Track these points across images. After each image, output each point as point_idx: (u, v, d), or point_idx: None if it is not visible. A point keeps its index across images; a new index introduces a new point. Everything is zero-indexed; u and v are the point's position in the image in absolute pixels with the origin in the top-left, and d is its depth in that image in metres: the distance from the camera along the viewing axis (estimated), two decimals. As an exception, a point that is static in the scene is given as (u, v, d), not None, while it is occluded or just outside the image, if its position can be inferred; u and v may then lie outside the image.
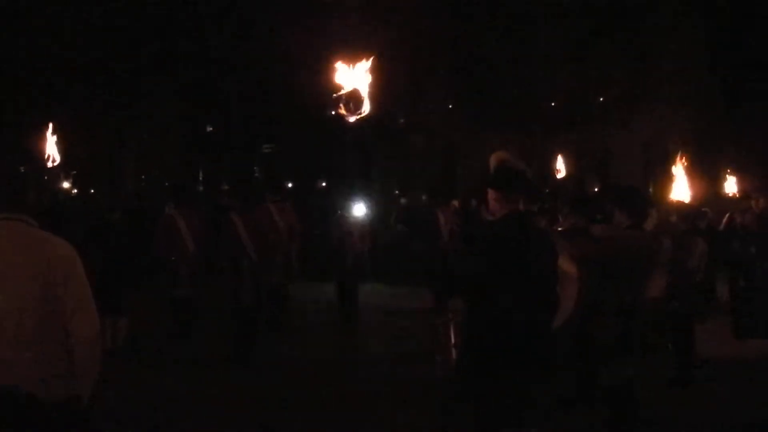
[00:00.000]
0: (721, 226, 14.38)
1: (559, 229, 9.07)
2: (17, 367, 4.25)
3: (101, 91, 27.47)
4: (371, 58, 7.43)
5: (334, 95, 7.19)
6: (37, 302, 4.35)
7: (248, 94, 30.09)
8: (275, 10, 25.36)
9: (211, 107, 31.98)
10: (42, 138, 12.97)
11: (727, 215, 14.80)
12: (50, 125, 13.41)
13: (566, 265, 5.90)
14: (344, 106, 7.23)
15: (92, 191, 30.95)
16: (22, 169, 5.06)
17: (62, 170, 27.88)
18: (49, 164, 12.30)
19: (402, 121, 29.37)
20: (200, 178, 35.91)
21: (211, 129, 34.98)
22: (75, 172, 31.32)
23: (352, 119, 7.23)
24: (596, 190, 25.46)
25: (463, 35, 26.71)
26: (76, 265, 4.50)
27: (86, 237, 11.23)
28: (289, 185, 35.07)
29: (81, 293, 4.44)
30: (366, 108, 7.28)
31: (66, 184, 30.06)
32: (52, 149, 13.04)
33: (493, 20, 26.98)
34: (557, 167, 21.26)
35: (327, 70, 7.50)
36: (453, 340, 7.54)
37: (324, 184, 34.76)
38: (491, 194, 5.60)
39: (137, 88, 28.08)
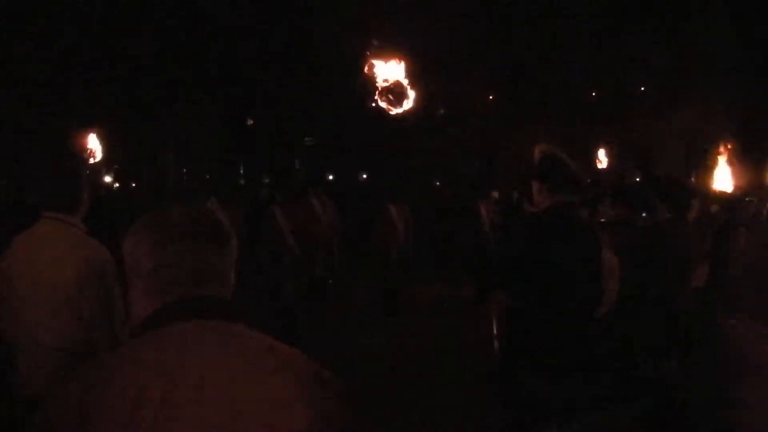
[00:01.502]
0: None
1: (602, 220, 9.04)
2: (52, 371, 4.31)
3: (140, 87, 27.65)
4: (412, 52, 7.44)
5: (377, 88, 7.19)
6: (71, 308, 4.40)
7: (289, 87, 30.15)
8: (317, 3, 25.42)
9: (251, 101, 32.07)
10: (83, 135, 13.09)
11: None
12: (90, 123, 13.57)
13: (610, 258, 5.88)
14: (386, 98, 7.23)
15: (133, 185, 31.22)
16: (79, 170, 5.10)
17: (104, 165, 28.15)
18: (91, 160, 12.39)
19: (441, 112, 29.32)
20: (241, 172, 36.06)
21: (251, 122, 35.08)
22: (117, 166, 31.61)
23: (394, 112, 7.24)
24: (638, 180, 25.30)
25: (501, 27, 26.64)
26: (107, 272, 4.54)
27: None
28: (330, 178, 35.22)
29: (105, 300, 4.49)
30: (410, 101, 7.29)
31: (108, 179, 30.33)
32: (94, 145, 13.15)
33: (530, 11, 26.90)
34: (599, 158, 21.18)
35: (368, 63, 7.51)
36: (495, 331, 7.55)
37: (365, 176, 34.80)
38: (535, 186, 5.59)
39: (177, 82, 28.20)
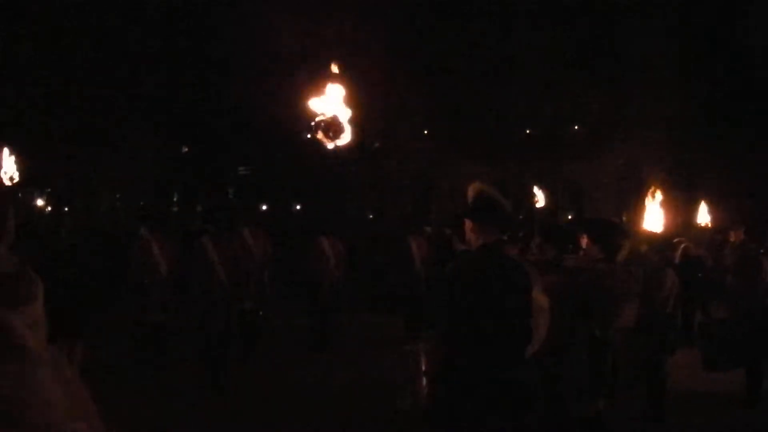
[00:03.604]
0: (677, 259, 14.34)
1: (531, 259, 9.08)
2: None
3: (73, 113, 27.40)
4: (350, 86, 7.43)
5: (313, 121, 7.16)
6: None
7: (225, 117, 30.06)
8: (254, 34, 25.38)
9: (186, 129, 31.92)
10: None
11: (681, 247, 14.81)
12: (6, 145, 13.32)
13: (540, 297, 5.90)
14: (323, 132, 7.20)
15: (66, 210, 30.82)
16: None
17: (36, 188, 27.77)
18: (7, 182, 12.16)
19: (377, 146, 29.40)
20: (174, 200, 35.83)
21: (186, 150, 34.91)
22: (49, 190, 31.22)
23: (330, 145, 7.21)
24: (570, 218, 25.55)
25: (439, 63, 26.85)
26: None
27: (44, 258, 11.08)
28: (264, 208, 35.09)
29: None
30: (346, 135, 7.27)
31: (40, 202, 29.95)
32: (10, 168, 12.93)
33: (469, 49, 27.12)
34: (532, 197, 21.31)
35: (304, 95, 7.48)
36: (423, 369, 7.53)
37: (299, 207, 34.75)
38: (468, 224, 5.63)
39: (112, 109, 27.99)
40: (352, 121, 7.33)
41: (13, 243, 4.73)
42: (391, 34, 24.57)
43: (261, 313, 13.45)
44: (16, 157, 13.32)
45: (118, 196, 34.31)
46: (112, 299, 13.77)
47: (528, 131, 30.29)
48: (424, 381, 7.23)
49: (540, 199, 21.00)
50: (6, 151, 13.16)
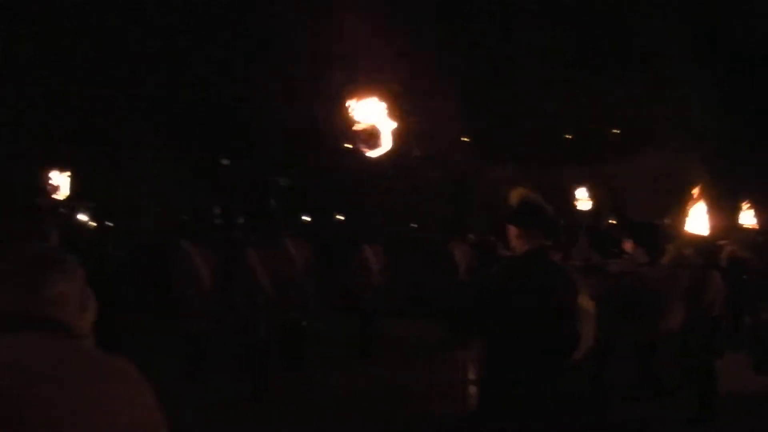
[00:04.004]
0: (722, 262, 14.19)
1: (575, 264, 9.03)
2: None
3: (115, 125, 27.62)
4: (389, 94, 7.41)
5: (352, 130, 7.15)
6: None
7: (265, 128, 30.14)
8: (293, 42, 25.46)
9: (227, 141, 32.06)
10: (47, 170, 12.97)
11: (727, 249, 14.66)
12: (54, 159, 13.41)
13: (585, 301, 5.86)
14: (362, 141, 7.19)
15: (109, 224, 31.02)
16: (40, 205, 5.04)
17: (79, 203, 27.98)
18: (56, 196, 12.26)
19: (417, 154, 29.34)
20: (217, 212, 35.96)
21: (227, 162, 35.04)
22: (93, 205, 31.44)
23: (369, 154, 7.19)
24: (612, 222, 25.39)
25: (477, 69, 26.79)
26: None
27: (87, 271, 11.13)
28: (306, 219, 35.18)
29: None
30: (386, 144, 7.25)
31: (83, 217, 30.17)
32: (60, 182, 13.02)
33: (505, 53, 27.06)
34: (573, 200, 21.21)
35: (344, 104, 7.47)
36: (470, 376, 7.50)
37: (341, 217, 34.78)
38: (512, 230, 5.60)
39: (151, 123, 28.17)
40: (391, 130, 7.31)
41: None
42: (429, 41, 24.57)
43: (304, 322, 13.45)
44: (61, 174, 13.46)
45: (159, 209, 34.45)
46: (155, 311, 13.83)
47: (567, 135, 30.13)
48: (471, 388, 7.21)
49: (582, 203, 20.91)
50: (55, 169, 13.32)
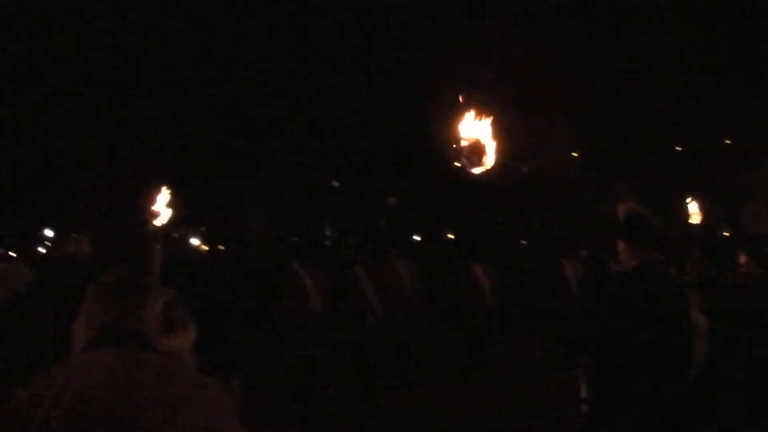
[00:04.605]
0: None
1: (689, 278, 8.84)
2: None
3: (225, 150, 28.08)
4: (494, 110, 7.33)
5: (455, 147, 7.09)
6: None
7: (374, 148, 30.32)
8: (399, 64, 25.59)
9: (336, 162, 32.34)
10: (152, 195, 13.11)
11: None
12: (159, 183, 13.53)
13: (698, 317, 5.70)
14: (466, 157, 7.11)
15: (220, 248, 31.48)
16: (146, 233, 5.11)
17: (192, 228, 28.46)
18: (156, 222, 12.38)
19: (527, 170, 29.17)
20: (327, 233, 36.22)
21: (337, 184, 35.33)
22: (203, 228, 32.00)
23: (474, 171, 7.11)
24: (726, 235, 24.83)
25: (587, 82, 26.52)
26: None
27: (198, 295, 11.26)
28: (417, 238, 35.21)
29: None
30: (490, 160, 7.16)
31: (195, 241, 30.71)
32: (160, 206, 13.15)
33: (612, 67, 26.75)
34: (687, 213, 20.78)
35: (451, 122, 7.41)
36: (583, 395, 7.39)
37: (451, 236, 34.70)
38: (621, 246, 5.51)
39: (261, 142, 28.57)
40: (496, 145, 7.22)
41: (164, 280, 4.84)
42: (538, 57, 24.44)
43: (413, 341, 13.39)
44: (171, 197, 13.59)
45: (271, 232, 34.88)
46: (265, 333, 13.94)
47: (678, 147, 29.65)
48: (584, 408, 7.08)
49: (695, 216, 20.47)
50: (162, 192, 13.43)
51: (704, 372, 5.67)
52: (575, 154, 29.72)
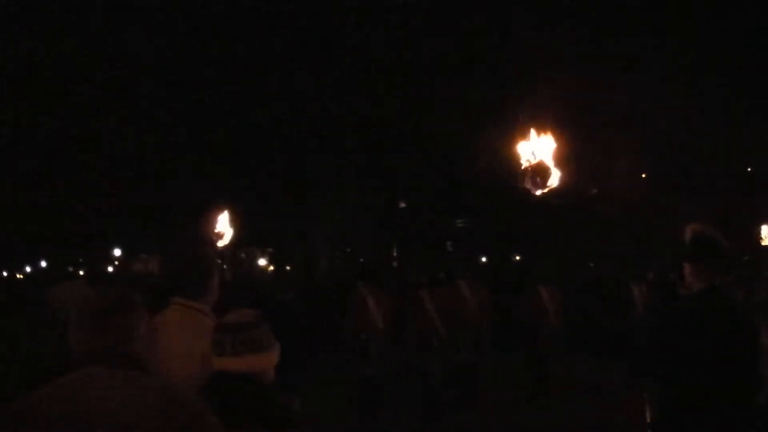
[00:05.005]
0: None
1: (758, 299, 8.71)
2: None
3: (294, 172, 28.28)
4: (559, 131, 7.28)
5: (520, 169, 7.05)
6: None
7: (441, 169, 30.35)
8: (461, 85, 25.61)
9: (403, 183, 32.40)
10: (215, 216, 13.20)
11: None
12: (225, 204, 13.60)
13: (766, 341, 5.60)
14: (530, 179, 7.06)
15: (287, 268, 31.70)
16: (207, 255, 5.10)
17: (259, 248, 28.66)
18: (220, 244, 12.47)
19: (594, 191, 29.00)
20: (394, 255, 36.30)
21: (403, 206, 35.37)
22: (271, 250, 32.23)
23: (538, 192, 7.06)
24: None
25: (657, 101, 26.28)
26: None
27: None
28: (483, 260, 35.11)
29: None
30: (554, 181, 7.10)
31: (263, 262, 30.95)
32: (223, 227, 13.21)
33: (684, 86, 26.49)
34: (758, 235, 20.48)
35: (512, 143, 7.37)
36: (649, 420, 7.30)
37: (518, 257, 34.61)
38: (687, 268, 5.43)
39: (327, 167, 28.73)
40: (561, 166, 7.16)
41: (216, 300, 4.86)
42: (605, 75, 24.31)
43: (477, 363, 13.32)
44: (236, 219, 13.67)
45: (338, 253, 35.04)
46: (330, 354, 13.97)
47: (749, 168, 29.29)
48: (649, 431, 6.97)
49: (766, 237, 20.18)
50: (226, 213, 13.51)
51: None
52: (644, 175, 29.47)
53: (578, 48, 24.17)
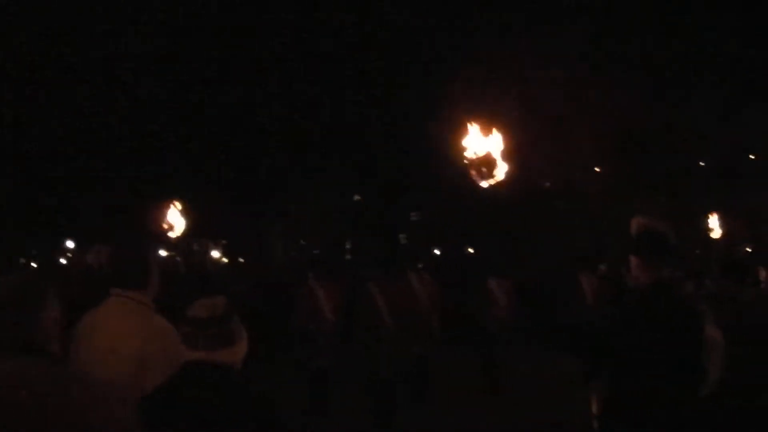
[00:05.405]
0: None
1: (707, 293, 8.75)
2: None
3: (249, 166, 28.20)
4: (510, 124, 7.27)
5: (465, 160, 7.01)
6: (135, 378, 4.34)
7: (395, 163, 30.38)
8: (417, 77, 25.63)
9: (360, 176, 32.41)
10: (163, 209, 13.08)
11: None
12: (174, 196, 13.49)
13: (714, 333, 5.59)
14: (476, 171, 7.02)
15: (241, 260, 31.57)
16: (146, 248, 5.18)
17: (211, 240, 28.53)
18: (171, 234, 12.37)
19: (547, 185, 29.14)
20: (348, 248, 36.31)
21: (358, 198, 35.38)
22: (225, 242, 32.11)
23: (484, 184, 7.02)
24: (748, 251, 24.68)
25: (609, 97, 26.41)
26: (169, 338, 4.44)
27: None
28: (436, 252, 35.20)
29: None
30: (500, 173, 7.07)
31: (216, 254, 30.82)
32: (174, 219, 13.09)
33: (640, 81, 26.65)
34: (707, 229, 20.64)
35: (462, 137, 7.33)
36: (594, 411, 7.34)
37: (471, 250, 34.69)
38: (633, 261, 5.41)
39: (281, 160, 28.69)
40: (508, 159, 7.12)
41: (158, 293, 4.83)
42: (557, 68, 24.38)
43: (428, 356, 13.28)
44: (187, 210, 13.54)
45: (293, 245, 35.02)
46: (279, 346, 13.91)
47: (701, 162, 29.56)
48: (594, 423, 7.00)
49: (716, 231, 20.32)
50: (176, 204, 13.37)
51: (720, 388, 5.58)
52: (597, 169, 29.65)
53: (528, 42, 24.22)
